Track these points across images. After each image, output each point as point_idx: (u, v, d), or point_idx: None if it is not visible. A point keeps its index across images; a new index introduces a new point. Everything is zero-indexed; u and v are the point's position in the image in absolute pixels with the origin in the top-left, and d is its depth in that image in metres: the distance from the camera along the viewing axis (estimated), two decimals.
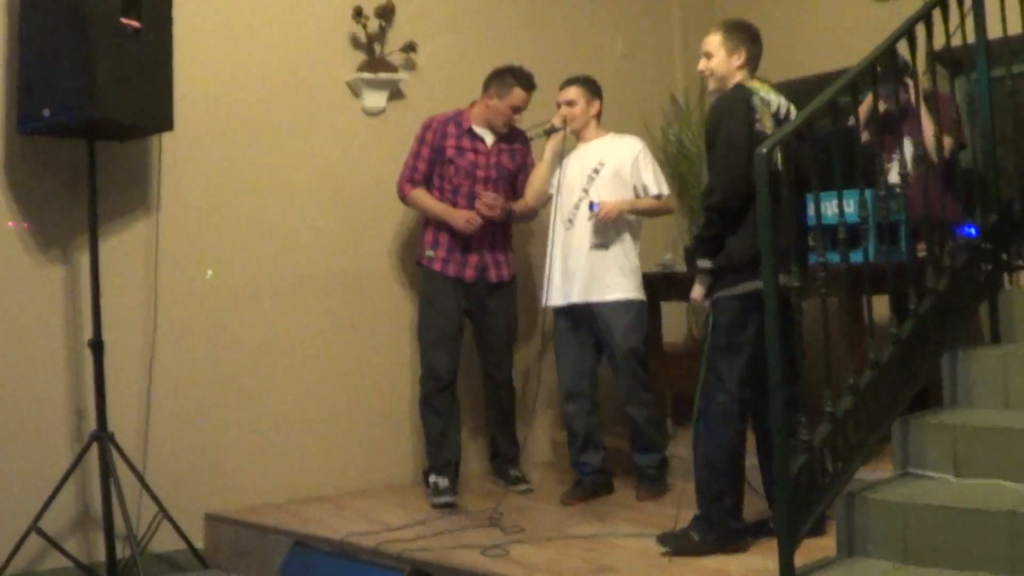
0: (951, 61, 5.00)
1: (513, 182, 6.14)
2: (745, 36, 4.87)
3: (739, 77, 4.80)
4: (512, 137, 6.11)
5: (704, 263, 4.69)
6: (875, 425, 4.30)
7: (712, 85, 4.92)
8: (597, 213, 5.70)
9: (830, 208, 4.68)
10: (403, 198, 6.08)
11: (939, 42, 4.73)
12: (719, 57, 4.84)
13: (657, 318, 6.44)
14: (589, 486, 5.92)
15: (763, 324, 4.10)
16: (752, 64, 4.85)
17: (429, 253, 6.00)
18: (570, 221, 5.85)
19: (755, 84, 4.77)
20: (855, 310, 5.13)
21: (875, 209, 4.66)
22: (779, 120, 4.66)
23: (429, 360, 5.94)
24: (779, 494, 3.95)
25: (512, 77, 5.95)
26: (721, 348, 4.64)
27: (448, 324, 5.96)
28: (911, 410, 4.48)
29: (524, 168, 6.15)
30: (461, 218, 5.90)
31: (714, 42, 4.86)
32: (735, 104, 4.67)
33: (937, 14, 4.69)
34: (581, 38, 7.30)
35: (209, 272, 5.85)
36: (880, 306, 4.91)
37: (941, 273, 4.65)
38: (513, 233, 6.25)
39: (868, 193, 4.53)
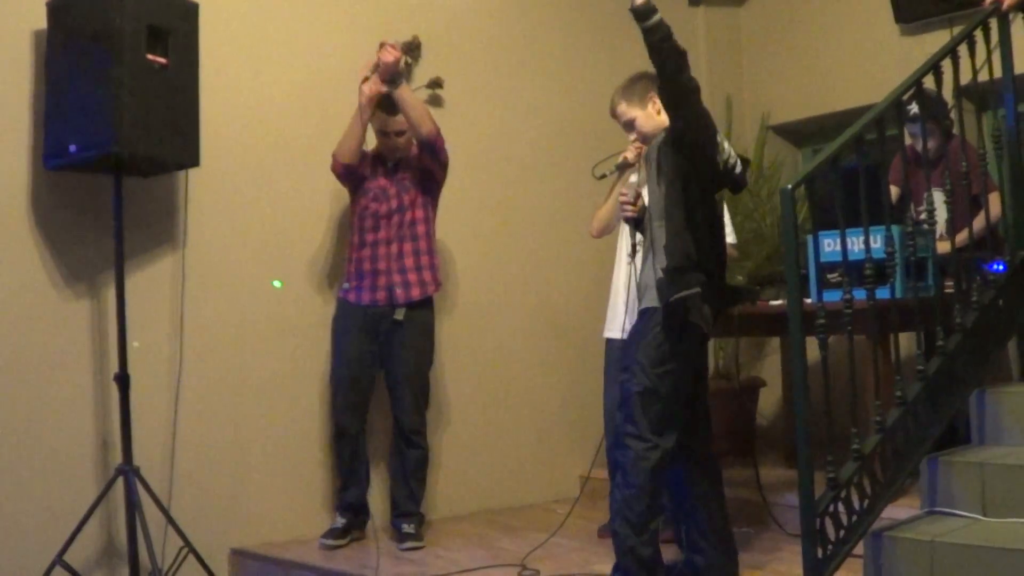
0: (978, 97, 4.98)
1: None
2: (645, 81, 4.69)
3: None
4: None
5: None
6: (902, 463, 4.27)
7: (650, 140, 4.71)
8: None
9: (856, 244, 4.65)
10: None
11: (966, 77, 4.71)
12: (639, 117, 4.70)
13: None
14: None
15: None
16: None
17: (345, 286, 5.83)
18: (631, 255, 5.79)
19: None
20: (882, 347, 5.10)
21: (902, 245, 4.63)
22: (725, 171, 4.48)
23: (332, 403, 5.86)
24: (804, 532, 3.92)
25: None
26: (654, 388, 4.44)
27: (351, 369, 5.77)
28: (939, 447, 4.45)
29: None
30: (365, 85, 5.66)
31: (624, 109, 4.74)
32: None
33: (964, 49, 4.68)
34: (608, 75, 7.28)
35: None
36: (905, 343, 4.88)
37: (969, 310, 4.62)
38: (436, 249, 5.97)
39: (895, 229, 4.51)
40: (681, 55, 4.37)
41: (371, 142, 5.91)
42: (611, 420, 5.90)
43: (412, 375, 5.81)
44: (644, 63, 7.02)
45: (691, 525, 4.68)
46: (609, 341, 5.89)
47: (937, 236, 5.08)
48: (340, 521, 5.73)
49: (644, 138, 4.74)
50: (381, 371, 5.86)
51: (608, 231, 5.95)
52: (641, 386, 4.42)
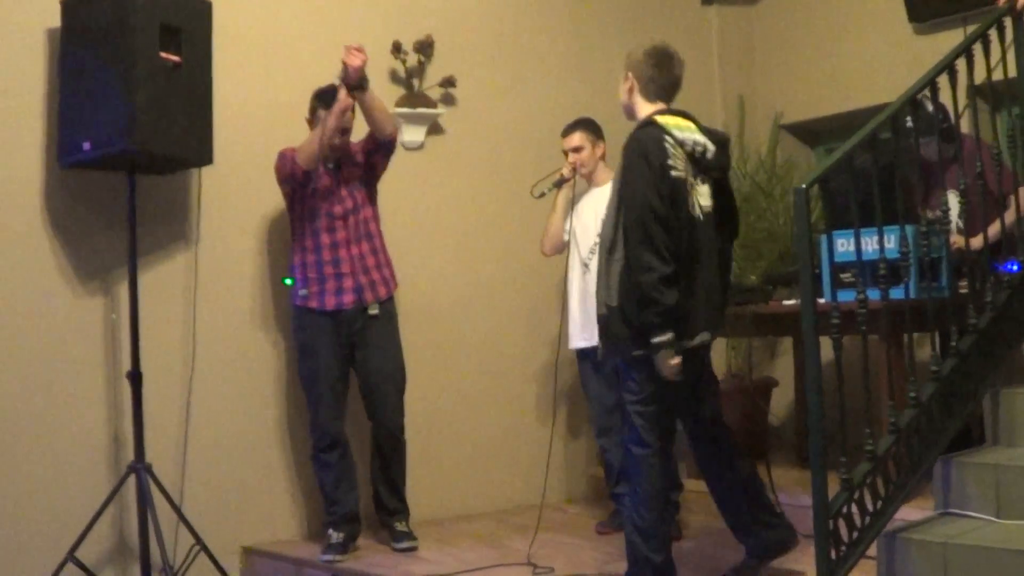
0: (992, 96, 4.96)
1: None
2: (633, 62, 4.62)
3: (642, 105, 4.58)
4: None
5: (664, 337, 4.28)
6: (916, 464, 4.25)
7: (628, 118, 4.72)
8: None
9: (870, 244, 4.63)
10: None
11: (980, 76, 4.69)
12: (620, 90, 4.68)
13: None
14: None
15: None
16: (651, 89, 4.59)
17: (303, 292, 5.58)
18: (586, 265, 5.81)
19: (668, 121, 4.48)
20: (896, 347, 5.08)
21: (916, 245, 4.61)
22: (696, 160, 4.43)
23: (316, 414, 5.62)
24: (817, 533, 3.91)
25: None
26: (645, 402, 4.44)
27: (329, 373, 5.60)
28: (953, 449, 4.43)
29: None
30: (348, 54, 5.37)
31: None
32: (647, 149, 4.37)
33: (978, 48, 4.66)
34: (618, 73, 7.28)
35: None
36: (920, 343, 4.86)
37: (983, 310, 4.60)
38: (386, 247, 5.82)
39: (909, 229, 4.49)
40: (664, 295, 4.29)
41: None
42: (600, 419, 5.92)
43: (395, 371, 5.73)
44: None
45: (746, 509, 4.67)
46: (577, 351, 5.94)
47: (952, 237, 5.07)
48: (337, 536, 5.53)
49: (623, 109, 4.73)
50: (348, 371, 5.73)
51: (559, 249, 5.99)
52: (633, 396, 4.44)
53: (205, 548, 5.24)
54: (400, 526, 5.70)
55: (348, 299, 5.58)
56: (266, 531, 5.85)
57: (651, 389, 4.40)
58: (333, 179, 5.63)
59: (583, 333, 5.86)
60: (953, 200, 4.82)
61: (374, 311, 5.63)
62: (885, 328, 4.54)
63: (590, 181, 5.93)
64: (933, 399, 4.31)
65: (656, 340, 4.26)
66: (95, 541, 5.19)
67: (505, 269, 6.76)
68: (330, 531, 5.58)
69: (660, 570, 4.40)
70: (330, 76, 5.99)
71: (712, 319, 4.46)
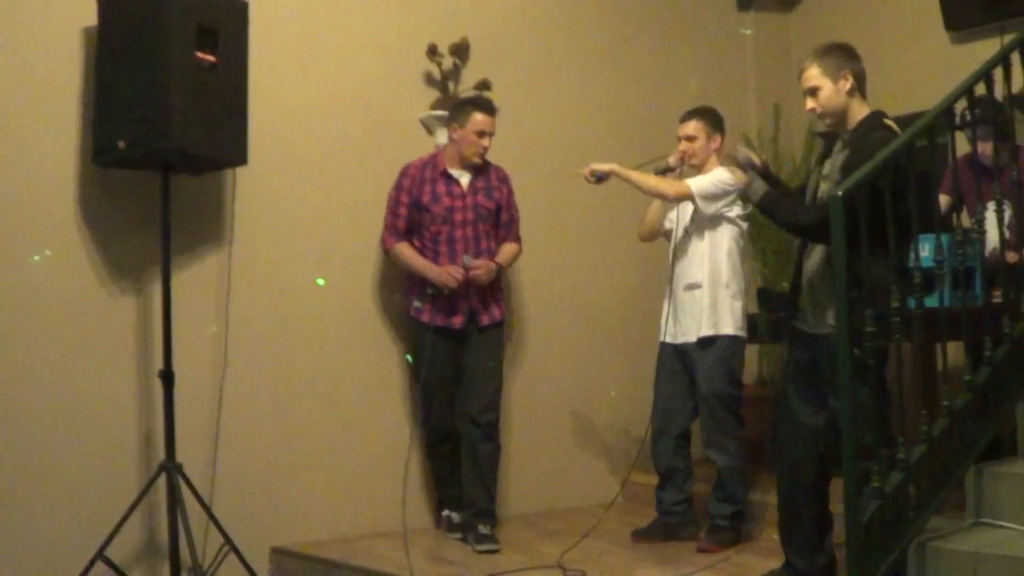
0: None
1: (495, 222, 5.94)
2: (844, 55, 4.40)
3: (859, 106, 4.42)
4: (488, 174, 5.94)
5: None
6: (948, 473, 4.23)
7: (828, 124, 4.51)
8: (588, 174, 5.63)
9: None
10: (385, 252, 5.94)
11: (1017, 85, 4.66)
12: (827, 89, 4.38)
13: None
14: (661, 526, 5.82)
15: None
16: (862, 85, 4.43)
17: (417, 304, 5.83)
18: (674, 259, 5.76)
19: (891, 124, 4.39)
20: (929, 356, 5.05)
21: (951, 254, 4.58)
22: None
23: (428, 413, 5.99)
24: (850, 542, 3.89)
25: (468, 104, 5.83)
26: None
27: (442, 375, 5.85)
28: (985, 458, 4.40)
29: (507, 207, 5.99)
30: (443, 274, 5.70)
31: (814, 75, 4.38)
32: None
33: (1015, 56, 4.63)
34: (656, 78, 7.29)
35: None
36: (953, 352, 4.83)
37: (1017, 319, 4.57)
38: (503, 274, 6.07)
39: (944, 238, 4.46)
40: (781, 208, 4.50)
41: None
42: (657, 421, 5.83)
43: (495, 368, 5.88)
44: (690, 65, 7.02)
45: (798, 529, 4.62)
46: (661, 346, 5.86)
47: (988, 248, 5.02)
48: (458, 516, 5.95)
49: (823, 113, 4.46)
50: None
51: (654, 236, 5.92)
52: None
53: (235, 548, 5.25)
54: (484, 528, 5.70)
55: (458, 320, 5.79)
56: (296, 532, 5.85)
57: None
58: (464, 203, 5.82)
59: (665, 328, 5.79)
60: (991, 212, 4.77)
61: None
62: (919, 337, 4.51)
63: (701, 173, 5.69)
64: (966, 408, 4.29)
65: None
66: (125, 540, 5.19)
67: (536, 271, 6.74)
68: (448, 512, 5.99)
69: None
70: (366, 77, 6.04)
71: None
